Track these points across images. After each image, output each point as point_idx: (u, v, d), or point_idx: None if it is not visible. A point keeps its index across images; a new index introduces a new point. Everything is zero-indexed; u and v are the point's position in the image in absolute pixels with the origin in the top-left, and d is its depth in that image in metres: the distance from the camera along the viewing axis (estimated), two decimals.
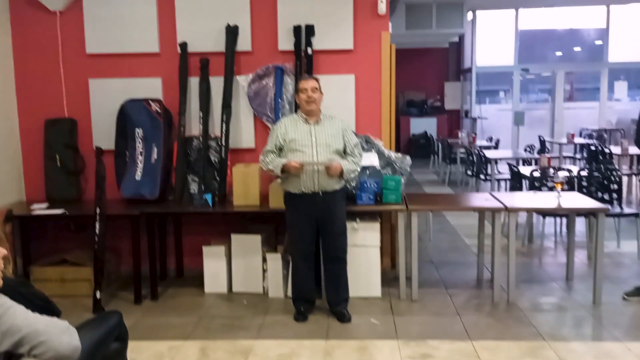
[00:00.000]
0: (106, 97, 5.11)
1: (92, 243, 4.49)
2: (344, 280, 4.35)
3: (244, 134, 5.17)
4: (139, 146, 4.96)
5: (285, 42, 5.04)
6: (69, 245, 5.17)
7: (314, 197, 4.11)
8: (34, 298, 2.07)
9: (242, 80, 5.09)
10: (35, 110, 5.19)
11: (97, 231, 4.44)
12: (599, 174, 5.95)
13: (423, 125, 14.49)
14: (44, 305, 2.06)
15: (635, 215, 5.73)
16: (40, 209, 4.79)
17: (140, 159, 4.95)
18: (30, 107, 5.21)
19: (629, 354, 3.62)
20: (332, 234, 4.23)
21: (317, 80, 4.23)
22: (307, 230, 4.21)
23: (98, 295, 4.46)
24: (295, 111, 4.97)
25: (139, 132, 4.96)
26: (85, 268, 4.82)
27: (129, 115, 4.98)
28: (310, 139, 4.12)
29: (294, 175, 4.08)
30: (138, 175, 4.90)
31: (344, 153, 4.21)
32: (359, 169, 4.31)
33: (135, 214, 4.62)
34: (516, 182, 6.61)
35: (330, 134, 4.18)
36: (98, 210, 4.44)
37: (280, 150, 4.18)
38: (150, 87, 5.10)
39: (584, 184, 5.92)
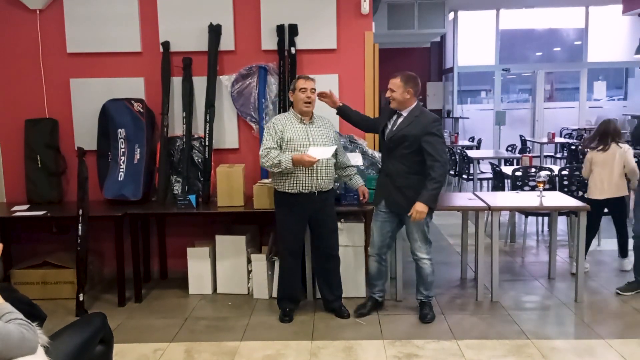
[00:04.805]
0: (88, 97, 5.05)
1: (74, 245, 4.44)
2: (338, 277, 4.40)
3: (227, 134, 5.14)
4: (122, 147, 4.91)
5: (269, 41, 5.03)
6: (50, 248, 5.11)
7: (309, 197, 4.12)
8: (18, 303, 2.04)
9: (226, 80, 5.06)
10: (15, 110, 5.12)
11: (79, 233, 4.39)
12: (579, 173, 6.01)
13: None
14: (28, 310, 2.03)
15: None
16: (21, 210, 4.73)
17: (123, 159, 4.90)
18: (10, 107, 5.13)
19: (610, 350, 3.68)
20: (327, 232, 4.27)
21: (314, 80, 4.20)
22: (299, 230, 4.23)
23: (81, 297, 4.41)
24: (280, 110, 4.97)
25: (121, 132, 4.91)
26: (67, 270, 4.78)
27: (111, 116, 4.92)
28: (308, 139, 4.10)
29: (295, 172, 4.04)
30: (121, 176, 4.85)
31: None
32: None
33: (118, 215, 4.58)
34: (498, 181, 6.67)
35: (324, 134, 4.19)
36: (80, 212, 4.39)
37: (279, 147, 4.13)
38: (133, 87, 5.05)
39: (565, 183, 5.99)
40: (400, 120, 4.10)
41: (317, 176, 4.09)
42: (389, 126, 4.17)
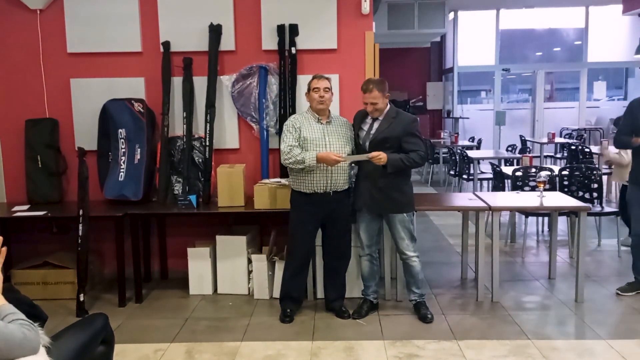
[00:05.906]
0: (88, 97, 5.05)
1: (74, 245, 4.44)
2: (344, 277, 4.44)
3: (228, 134, 5.14)
4: (122, 147, 4.91)
5: (269, 41, 5.03)
6: (51, 248, 5.10)
7: (324, 197, 4.13)
8: (19, 304, 2.04)
9: (226, 80, 5.06)
10: (15, 110, 5.11)
11: (80, 233, 4.39)
12: (579, 173, 6.02)
13: None
14: (29, 311, 2.03)
15: (616, 213, 5.82)
16: (21, 210, 4.73)
17: (123, 159, 4.89)
18: (11, 107, 5.13)
19: (610, 351, 3.67)
20: (340, 232, 4.29)
21: (329, 79, 4.21)
22: (313, 230, 4.25)
23: (82, 297, 4.41)
24: (280, 110, 4.97)
25: (121, 132, 4.90)
26: (68, 270, 4.77)
27: (111, 116, 4.92)
28: (324, 139, 4.12)
29: (311, 171, 4.06)
30: (121, 176, 4.85)
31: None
32: None
33: (119, 215, 4.57)
34: (499, 181, 6.67)
35: (341, 134, 4.20)
36: (81, 212, 4.39)
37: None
38: (133, 87, 5.05)
39: (565, 183, 5.99)
40: (377, 123, 4.15)
41: (332, 176, 4.10)
42: (365, 130, 4.21)
